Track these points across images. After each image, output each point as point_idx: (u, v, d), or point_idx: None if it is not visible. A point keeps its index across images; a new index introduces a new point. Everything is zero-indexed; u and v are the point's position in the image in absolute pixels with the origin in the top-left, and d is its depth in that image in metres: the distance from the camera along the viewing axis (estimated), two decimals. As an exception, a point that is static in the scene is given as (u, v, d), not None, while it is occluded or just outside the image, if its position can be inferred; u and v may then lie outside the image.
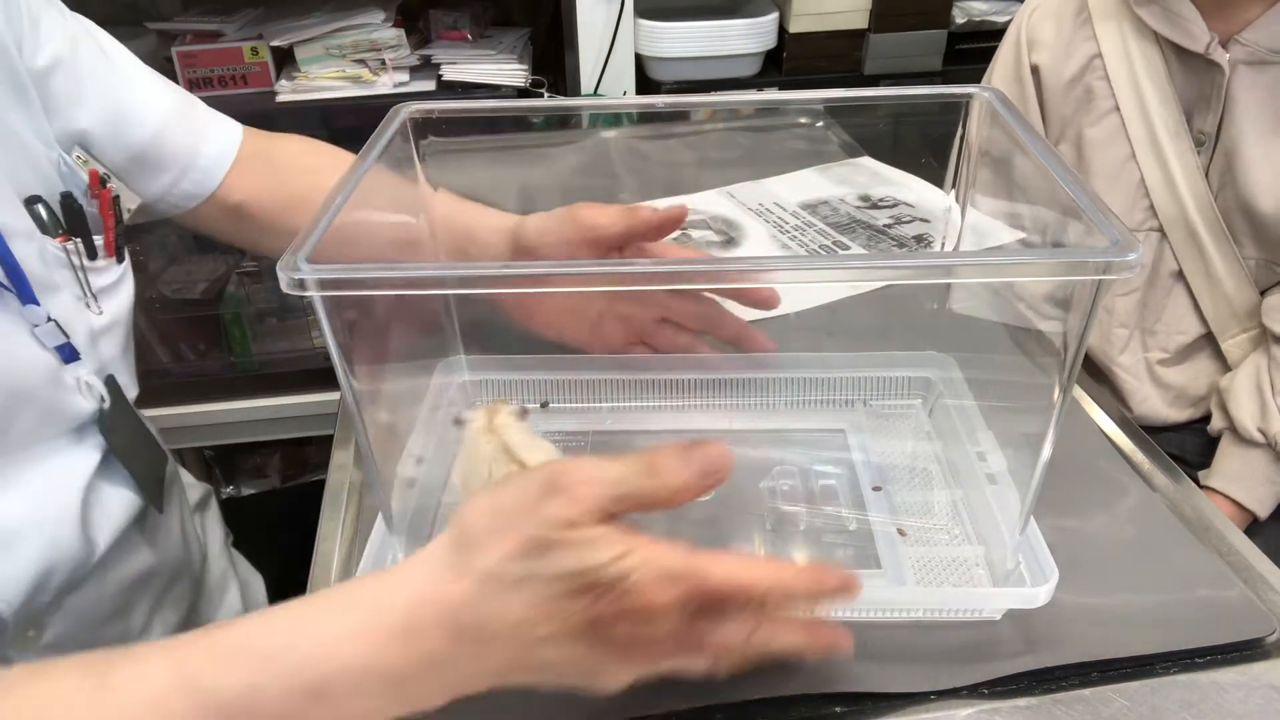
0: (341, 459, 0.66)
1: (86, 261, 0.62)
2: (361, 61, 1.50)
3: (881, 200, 0.98)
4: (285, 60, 1.55)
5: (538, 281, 0.44)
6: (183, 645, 0.39)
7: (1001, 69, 1.07)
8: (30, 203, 0.59)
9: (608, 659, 0.40)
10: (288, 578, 0.81)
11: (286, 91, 1.52)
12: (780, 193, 0.98)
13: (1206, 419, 1.02)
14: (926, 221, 0.93)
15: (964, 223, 0.62)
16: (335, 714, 0.39)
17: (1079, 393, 0.70)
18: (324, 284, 0.40)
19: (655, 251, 0.65)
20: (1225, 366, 1.02)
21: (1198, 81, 0.94)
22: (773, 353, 0.66)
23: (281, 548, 0.87)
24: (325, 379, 1.50)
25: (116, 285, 0.65)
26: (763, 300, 0.67)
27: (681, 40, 1.49)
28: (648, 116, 1.34)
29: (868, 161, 1.06)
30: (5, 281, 0.55)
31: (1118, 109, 0.98)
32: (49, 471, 0.59)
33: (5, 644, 0.57)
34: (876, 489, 0.60)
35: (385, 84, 1.49)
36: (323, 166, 0.77)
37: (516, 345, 0.68)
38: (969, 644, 0.50)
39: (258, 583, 0.88)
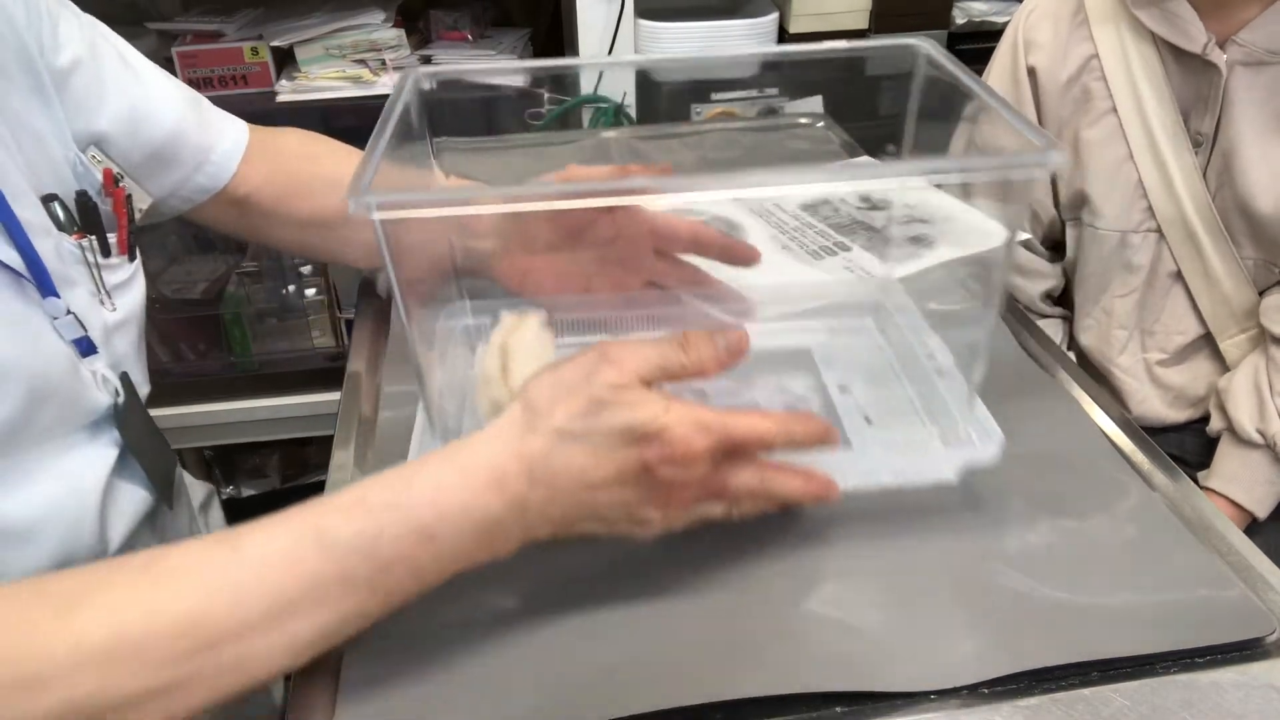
0: (341, 459, 0.66)
1: (100, 259, 0.63)
2: (362, 62, 1.50)
3: (881, 201, 0.98)
4: (285, 60, 1.55)
5: (579, 195, 0.52)
6: (302, 509, 0.45)
7: (999, 70, 1.07)
8: (47, 200, 0.60)
9: (650, 504, 0.49)
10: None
11: (287, 91, 1.52)
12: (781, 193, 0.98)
13: (1206, 419, 1.02)
14: (925, 222, 0.93)
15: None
16: (438, 553, 0.46)
17: (1079, 393, 0.70)
18: (383, 206, 0.47)
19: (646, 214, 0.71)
20: (1224, 367, 1.02)
21: (1195, 82, 0.93)
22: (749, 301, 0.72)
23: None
24: (325, 379, 1.50)
25: (129, 282, 0.66)
26: (744, 256, 0.72)
27: (681, 40, 1.49)
28: (648, 118, 1.34)
29: (868, 162, 1.06)
30: (26, 274, 0.56)
31: (1115, 110, 0.98)
32: (68, 467, 0.60)
33: None
34: (843, 390, 0.68)
35: (385, 84, 1.49)
36: (321, 154, 0.80)
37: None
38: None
39: None
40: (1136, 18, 0.94)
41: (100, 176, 0.64)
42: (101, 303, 0.63)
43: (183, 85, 0.74)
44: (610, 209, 0.70)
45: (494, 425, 0.48)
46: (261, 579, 0.43)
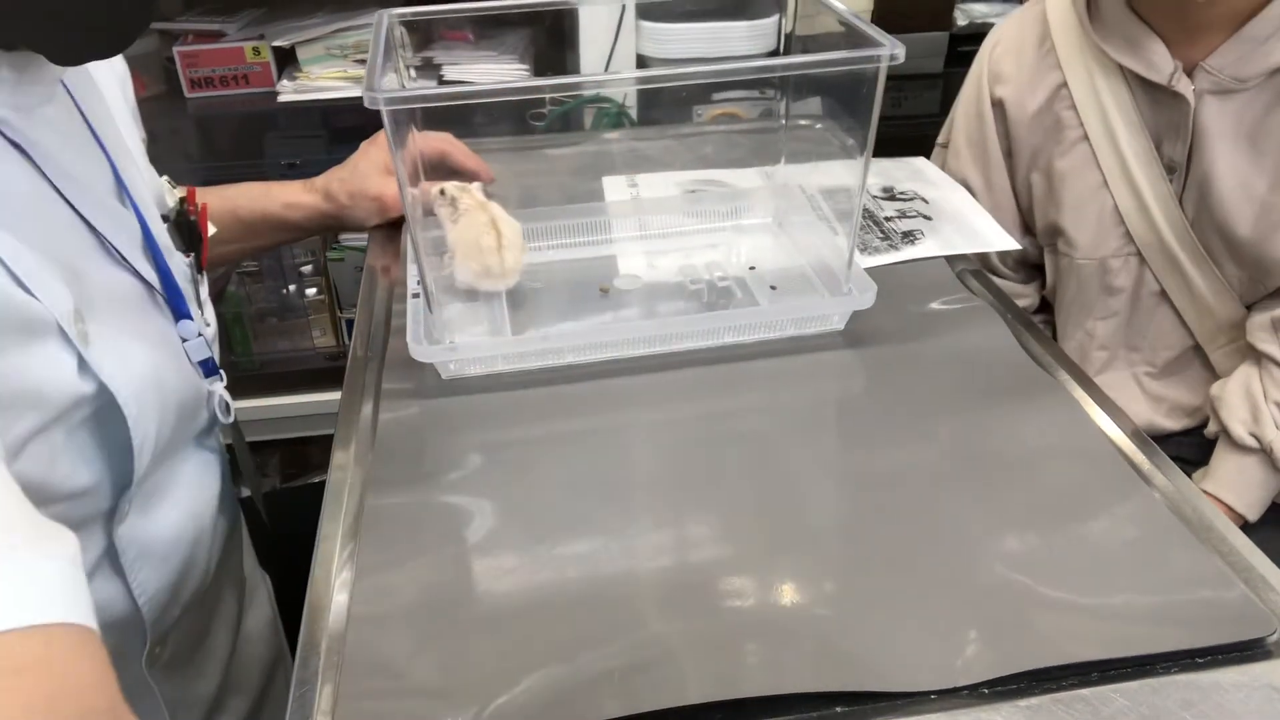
0: (341, 459, 0.66)
1: (197, 275, 0.65)
2: (363, 62, 1.50)
3: (902, 193, 0.98)
4: (287, 60, 1.55)
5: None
6: None
7: (964, 105, 1.06)
8: (164, 219, 0.62)
9: None
10: (289, 578, 0.82)
11: (288, 91, 1.52)
12: (809, 178, 0.98)
13: (1204, 425, 1.01)
14: (928, 219, 0.93)
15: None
16: None
17: (1079, 393, 0.70)
18: (389, 100, 0.60)
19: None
20: (1215, 375, 1.01)
21: (1164, 111, 0.91)
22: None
23: (282, 548, 0.87)
24: (325, 379, 1.50)
25: (208, 298, 0.68)
26: (474, 171, 0.95)
27: (683, 41, 1.48)
28: (649, 119, 1.34)
29: (920, 162, 1.06)
30: (164, 295, 0.57)
31: (1087, 138, 0.96)
32: (194, 486, 0.62)
33: (141, 660, 0.59)
34: (752, 268, 0.84)
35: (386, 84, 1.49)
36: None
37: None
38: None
39: (265, 582, 0.89)
40: (1103, 48, 0.92)
41: (183, 194, 0.67)
42: (202, 318, 0.65)
43: None
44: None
45: None
46: None
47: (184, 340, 0.60)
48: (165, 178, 0.67)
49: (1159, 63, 0.89)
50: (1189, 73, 0.88)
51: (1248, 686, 0.48)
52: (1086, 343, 1.03)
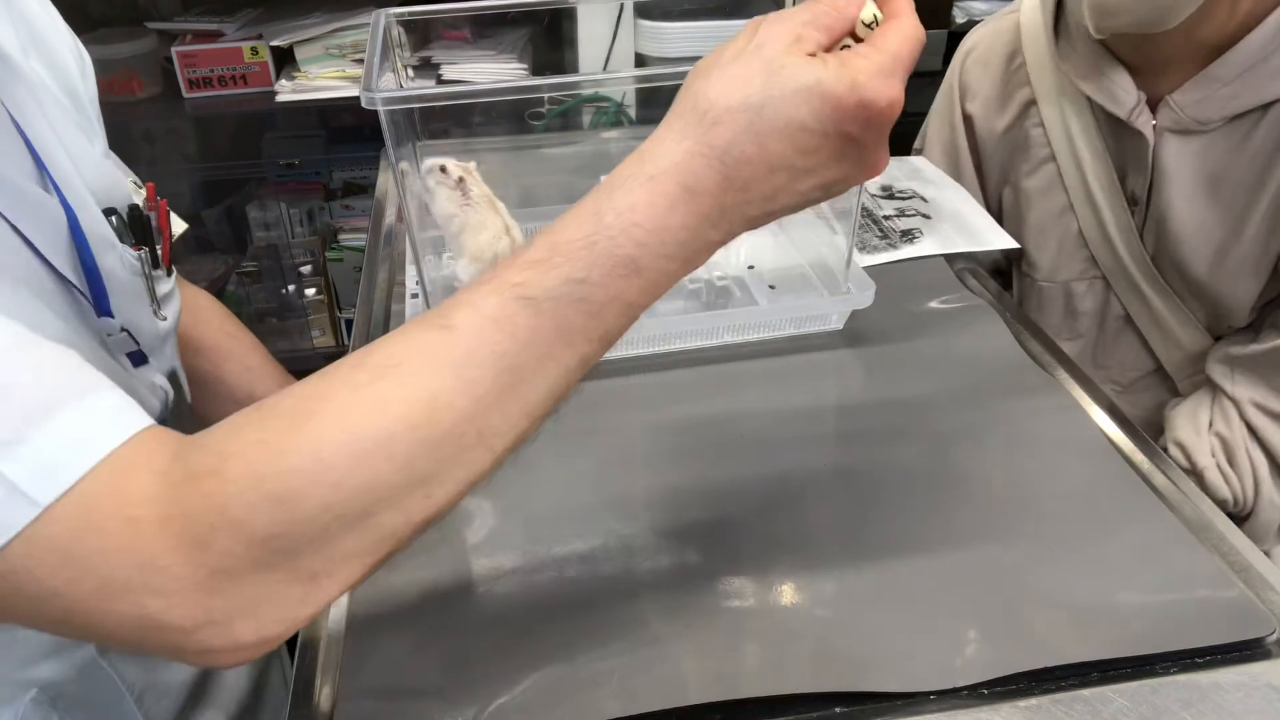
0: (341, 459, 0.66)
1: (151, 270, 0.64)
2: (361, 61, 1.50)
3: (900, 192, 0.98)
4: (285, 60, 1.55)
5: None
6: (496, 275, 0.42)
7: (937, 115, 1.04)
8: (108, 214, 0.61)
9: (854, 169, 0.44)
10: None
11: (286, 91, 1.52)
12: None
13: None
14: (927, 218, 0.93)
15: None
16: (645, 285, 0.43)
17: (1078, 393, 0.70)
18: (387, 100, 0.61)
19: None
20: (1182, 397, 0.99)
21: (1127, 144, 0.88)
22: None
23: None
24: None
25: (171, 294, 0.67)
26: None
27: (682, 40, 1.48)
28: (649, 118, 1.33)
29: (919, 161, 1.06)
30: (88, 293, 0.56)
31: (1054, 158, 0.94)
32: None
33: (84, 645, 0.58)
34: (751, 268, 0.84)
35: (384, 83, 1.49)
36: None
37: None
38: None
39: None
40: (1067, 74, 0.90)
41: (145, 191, 0.66)
42: (155, 313, 0.64)
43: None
44: None
45: (656, 136, 0.44)
46: (483, 352, 0.41)
47: (108, 335, 0.59)
48: (132, 178, 0.67)
49: (1122, 96, 0.86)
50: (1154, 106, 0.85)
51: (1247, 686, 0.48)
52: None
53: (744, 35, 0.45)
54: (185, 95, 1.54)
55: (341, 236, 1.73)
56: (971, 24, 1.61)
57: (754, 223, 0.44)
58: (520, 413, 0.42)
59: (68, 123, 0.61)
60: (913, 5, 0.47)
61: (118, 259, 0.60)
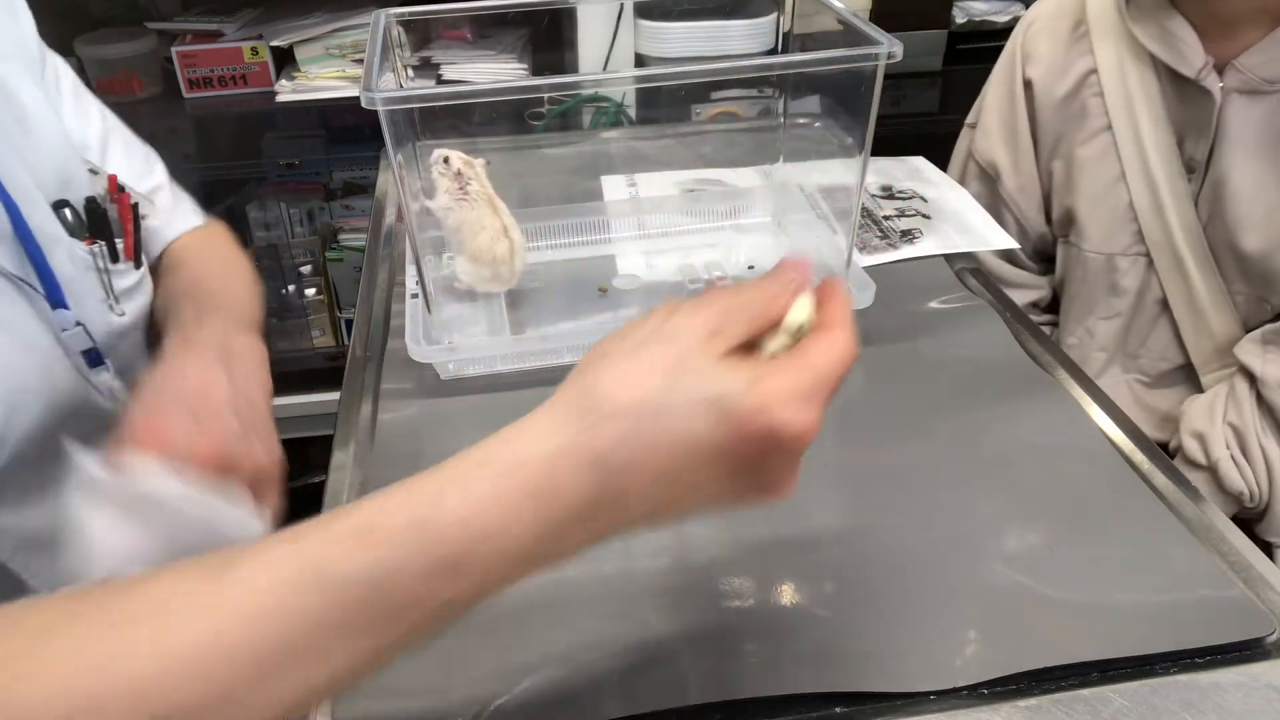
0: (341, 459, 0.66)
1: (109, 264, 0.63)
2: (361, 61, 1.50)
3: (900, 192, 0.98)
4: (285, 60, 1.55)
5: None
6: (303, 534, 0.37)
7: (997, 83, 1.05)
8: (58, 206, 0.60)
9: (759, 490, 0.39)
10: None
11: (286, 91, 1.52)
12: (807, 177, 0.98)
13: None
14: (927, 218, 0.93)
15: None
16: (475, 586, 0.36)
17: (1078, 393, 0.70)
18: (386, 100, 0.62)
19: None
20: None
21: (1190, 107, 0.89)
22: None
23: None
24: (325, 379, 1.50)
25: (137, 288, 0.66)
26: None
27: (682, 40, 1.48)
28: (648, 118, 1.33)
29: (919, 161, 1.06)
30: (38, 286, 0.56)
31: (1110, 128, 0.95)
32: None
33: None
34: (751, 268, 0.85)
35: (384, 83, 1.49)
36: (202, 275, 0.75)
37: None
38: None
39: None
40: (1136, 35, 0.91)
41: (106, 183, 0.64)
42: (110, 308, 0.63)
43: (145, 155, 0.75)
44: None
45: (548, 410, 0.38)
46: (247, 628, 0.35)
47: (63, 330, 0.58)
48: (89, 168, 0.65)
49: (1190, 55, 0.87)
50: (1220, 69, 0.87)
51: (1247, 686, 0.48)
52: (1086, 341, 1.03)
53: (655, 318, 0.40)
54: (185, 95, 1.54)
55: (341, 236, 1.73)
56: (970, 24, 1.61)
57: (629, 530, 0.38)
58: (275, 704, 0.36)
59: (24, 90, 0.60)
60: (851, 317, 0.41)
61: (65, 254, 0.59)
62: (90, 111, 0.71)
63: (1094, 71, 0.95)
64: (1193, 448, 0.91)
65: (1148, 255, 0.96)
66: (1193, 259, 0.93)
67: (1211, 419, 0.91)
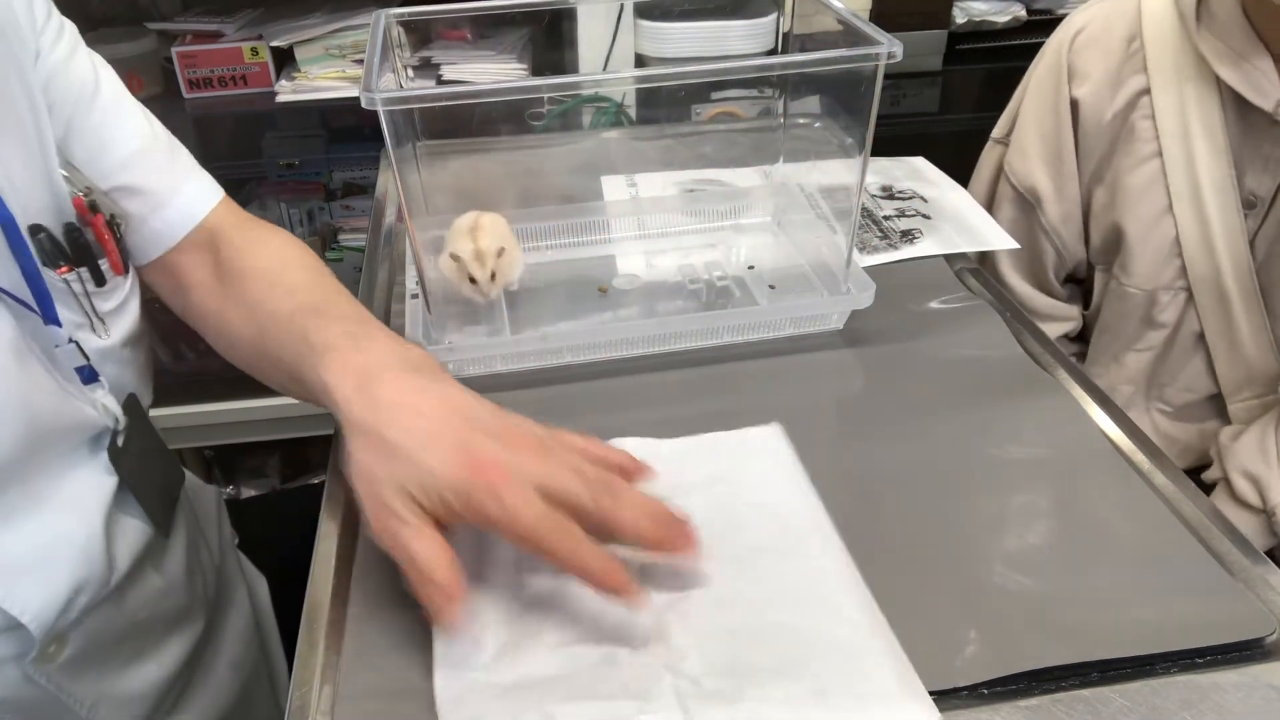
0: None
1: (93, 288, 0.61)
2: (361, 61, 1.50)
3: (900, 192, 0.98)
4: (285, 60, 1.55)
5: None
6: None
7: (1037, 98, 0.96)
8: (34, 232, 0.56)
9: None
10: (288, 578, 0.81)
11: (286, 92, 1.52)
12: (807, 177, 0.98)
13: (1203, 468, 0.96)
14: (927, 218, 0.93)
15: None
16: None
17: (1078, 393, 0.70)
18: (386, 100, 0.62)
19: None
20: (1228, 423, 0.95)
21: (1257, 139, 0.82)
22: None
23: (282, 548, 0.87)
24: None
25: (123, 305, 0.64)
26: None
27: (682, 40, 1.48)
28: (648, 118, 1.33)
29: (919, 161, 1.06)
30: (32, 302, 0.55)
31: (1160, 154, 0.87)
32: (75, 492, 0.59)
33: (27, 661, 0.58)
34: (751, 268, 0.84)
35: (384, 83, 1.49)
36: (298, 287, 0.66)
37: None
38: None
39: (262, 585, 0.88)
40: (1200, 54, 0.83)
41: (73, 207, 0.60)
42: (93, 329, 0.62)
43: (159, 128, 0.68)
44: None
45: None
46: None
47: (56, 346, 0.57)
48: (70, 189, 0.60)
49: (1266, 86, 0.80)
50: None
51: (1247, 686, 0.48)
52: (1115, 372, 0.98)
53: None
54: (185, 95, 1.54)
55: (341, 236, 1.73)
56: (970, 24, 1.60)
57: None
58: None
59: (11, 94, 0.56)
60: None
61: (57, 278, 0.57)
62: (129, 124, 0.65)
63: (1146, 92, 0.88)
64: (1244, 489, 0.86)
65: (1188, 290, 0.91)
66: (1238, 294, 0.88)
67: (1266, 460, 0.86)
